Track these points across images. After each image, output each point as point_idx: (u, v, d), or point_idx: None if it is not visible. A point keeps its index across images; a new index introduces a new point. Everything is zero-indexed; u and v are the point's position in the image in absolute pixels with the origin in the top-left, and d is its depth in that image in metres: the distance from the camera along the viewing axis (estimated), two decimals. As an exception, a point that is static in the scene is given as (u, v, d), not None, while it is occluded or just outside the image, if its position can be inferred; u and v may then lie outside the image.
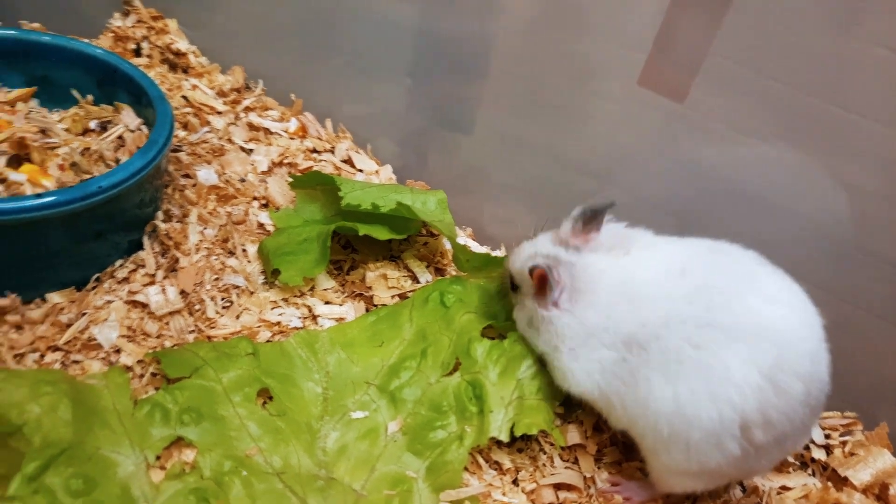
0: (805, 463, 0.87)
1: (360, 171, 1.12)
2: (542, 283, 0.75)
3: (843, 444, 0.88)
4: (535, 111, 1.01)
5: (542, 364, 0.82)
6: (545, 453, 0.82)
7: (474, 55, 1.02)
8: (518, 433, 0.76)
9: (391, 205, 0.91)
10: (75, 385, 0.70)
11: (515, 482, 0.79)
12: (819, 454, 0.87)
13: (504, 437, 0.77)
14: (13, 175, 0.82)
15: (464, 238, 1.09)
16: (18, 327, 0.78)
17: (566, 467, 0.81)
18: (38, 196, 0.75)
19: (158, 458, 0.70)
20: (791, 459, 0.86)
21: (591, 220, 0.77)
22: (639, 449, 0.76)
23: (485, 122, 1.07)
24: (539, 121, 1.01)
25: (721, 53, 0.83)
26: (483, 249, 1.08)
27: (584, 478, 0.81)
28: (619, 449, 0.84)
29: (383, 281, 0.94)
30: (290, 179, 1.03)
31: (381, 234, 0.92)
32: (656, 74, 0.88)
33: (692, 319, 0.68)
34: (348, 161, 1.14)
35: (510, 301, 0.86)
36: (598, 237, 0.77)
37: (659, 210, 0.94)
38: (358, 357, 0.83)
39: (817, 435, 0.88)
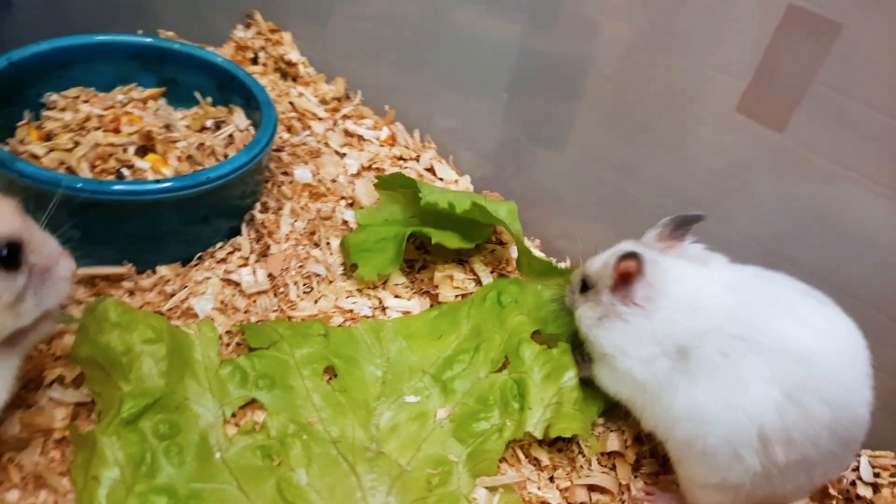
0: (850, 499, 0.87)
1: (441, 179, 1.20)
2: (625, 276, 0.77)
3: (893, 484, 0.87)
4: (625, 132, 1.02)
5: (582, 378, 0.86)
6: (584, 456, 0.86)
7: (568, 75, 1.04)
8: (552, 435, 0.81)
9: (466, 206, 0.98)
10: (174, 333, 0.81)
11: (552, 479, 0.84)
12: (865, 491, 0.86)
13: (538, 435, 0.82)
14: (139, 162, 0.94)
15: (530, 248, 1.14)
16: (131, 293, 0.91)
17: (602, 472, 0.85)
18: (158, 182, 0.87)
19: (234, 415, 0.80)
20: (833, 493, 0.86)
21: (680, 227, 0.81)
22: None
23: (570, 139, 1.09)
24: (628, 142, 1.03)
25: (826, 83, 0.82)
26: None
27: (620, 484, 0.84)
28: (658, 461, 0.87)
29: (449, 281, 1.01)
30: (376, 181, 1.12)
31: (451, 242, 0.98)
32: (756, 102, 0.88)
33: (726, 330, 0.72)
34: (431, 169, 1.22)
35: (570, 306, 0.87)
36: (681, 247, 0.81)
37: (746, 238, 0.94)
38: (417, 347, 0.90)
39: (865, 472, 0.87)
